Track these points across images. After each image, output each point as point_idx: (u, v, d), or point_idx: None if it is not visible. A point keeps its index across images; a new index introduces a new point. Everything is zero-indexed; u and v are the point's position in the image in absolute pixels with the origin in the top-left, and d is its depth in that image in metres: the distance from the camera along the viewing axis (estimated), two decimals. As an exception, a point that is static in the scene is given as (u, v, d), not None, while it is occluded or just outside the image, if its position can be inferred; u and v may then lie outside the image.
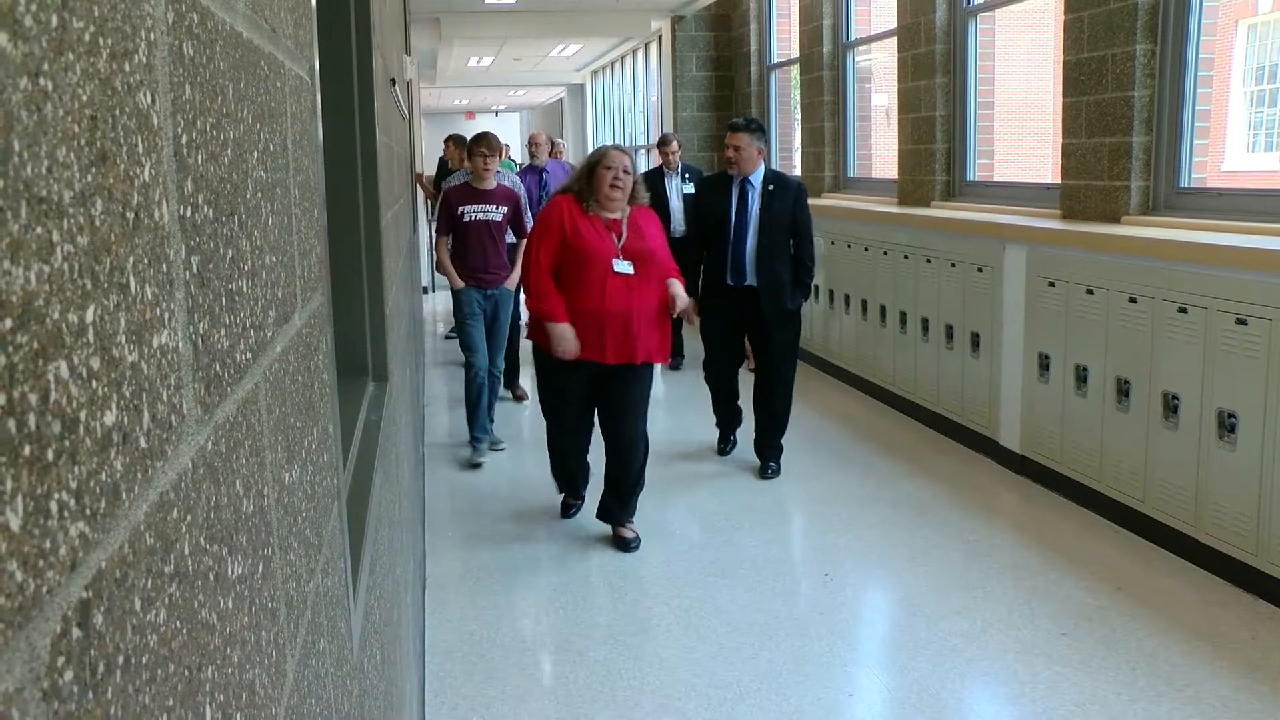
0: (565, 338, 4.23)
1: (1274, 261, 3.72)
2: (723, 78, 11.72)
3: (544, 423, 4.76)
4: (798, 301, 5.37)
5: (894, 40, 7.46)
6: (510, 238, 6.18)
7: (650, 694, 3.32)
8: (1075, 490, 4.88)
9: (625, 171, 4.29)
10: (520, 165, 10.16)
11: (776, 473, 5.47)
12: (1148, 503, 4.37)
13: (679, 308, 4.35)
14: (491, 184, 5.84)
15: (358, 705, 1.45)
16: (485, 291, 5.88)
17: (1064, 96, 5.37)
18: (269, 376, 0.91)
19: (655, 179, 7.76)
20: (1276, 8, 14.19)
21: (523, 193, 6.56)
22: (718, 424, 5.88)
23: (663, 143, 8.15)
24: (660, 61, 12.71)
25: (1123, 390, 4.49)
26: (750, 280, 5.30)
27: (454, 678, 3.47)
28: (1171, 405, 4.20)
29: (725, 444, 5.89)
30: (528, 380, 7.42)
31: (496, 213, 5.87)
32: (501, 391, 6.73)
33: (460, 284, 5.85)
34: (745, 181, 5.32)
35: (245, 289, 0.82)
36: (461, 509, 5.16)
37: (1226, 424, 3.91)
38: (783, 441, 5.56)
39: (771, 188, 5.31)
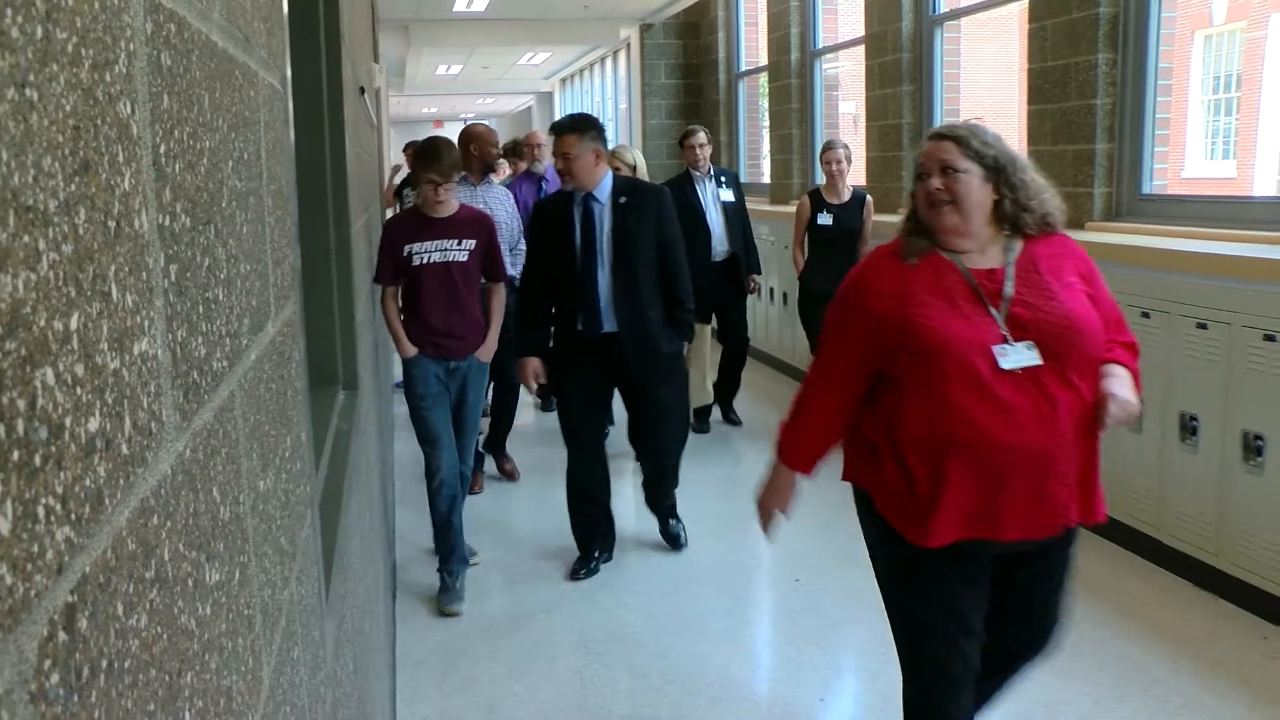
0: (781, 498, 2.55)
1: (1234, 267, 3.79)
2: (691, 85, 11.76)
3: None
4: (676, 345, 4.18)
5: (861, 48, 7.52)
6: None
7: (622, 701, 3.33)
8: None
9: (953, 168, 2.29)
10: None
11: (684, 538, 4.54)
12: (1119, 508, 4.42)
13: (1115, 419, 2.23)
14: (451, 208, 4.08)
15: (331, 714, 1.45)
16: (448, 364, 4.14)
17: (1029, 104, 5.44)
18: (244, 384, 0.92)
19: (682, 187, 6.07)
20: (1231, 18, 14.46)
21: (508, 209, 5.38)
22: (575, 532, 4.37)
23: (686, 137, 6.31)
24: (629, 69, 12.75)
25: (1087, 395, 4.54)
26: (609, 326, 4.06)
27: (425, 687, 3.46)
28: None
29: (587, 564, 4.32)
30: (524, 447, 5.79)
31: (460, 250, 4.06)
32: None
33: (410, 351, 4.08)
34: (589, 198, 4.06)
35: (221, 297, 0.82)
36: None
37: (1188, 427, 3.97)
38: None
39: (624, 201, 4.05)
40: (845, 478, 2.52)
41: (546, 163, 6.54)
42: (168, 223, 0.66)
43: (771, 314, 8.17)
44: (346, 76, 2.88)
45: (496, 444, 5.71)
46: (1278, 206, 4.39)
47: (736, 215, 6.26)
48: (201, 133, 0.78)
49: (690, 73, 11.78)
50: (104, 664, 0.50)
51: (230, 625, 0.79)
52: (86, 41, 0.52)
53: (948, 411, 2.22)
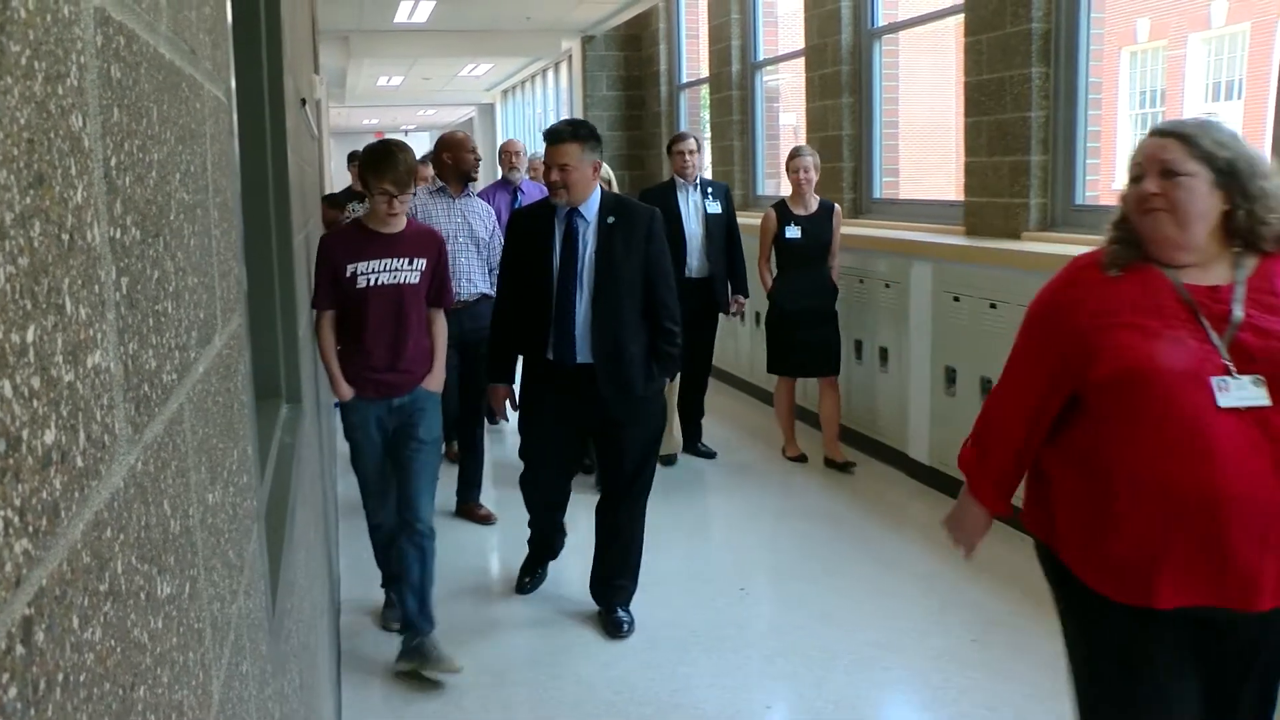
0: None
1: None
2: (633, 97, 11.81)
3: None
4: (658, 383, 3.79)
5: (801, 61, 7.62)
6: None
7: (569, 711, 3.32)
8: (982, 499, 4.99)
9: (1175, 171, 1.96)
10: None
11: (630, 626, 3.85)
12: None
13: None
14: (400, 224, 3.57)
15: (279, 729, 1.44)
16: (392, 403, 3.58)
17: (966, 116, 5.55)
18: (192, 397, 0.91)
19: (664, 195, 5.73)
20: (1154, 36, 14.90)
21: (488, 225, 5.03)
22: (530, 544, 4.24)
23: (675, 142, 5.94)
24: (570, 81, 12.77)
25: (1025, 401, 4.63)
26: (583, 356, 3.68)
27: (371, 703, 3.43)
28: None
29: (532, 576, 4.26)
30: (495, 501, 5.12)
31: (411, 270, 3.54)
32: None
33: (347, 393, 3.55)
34: (574, 214, 3.68)
35: (171, 310, 0.82)
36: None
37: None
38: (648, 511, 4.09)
39: (612, 220, 3.68)
40: (1027, 527, 2.25)
41: (522, 173, 6.38)
42: (119, 235, 0.66)
43: (734, 330, 7.75)
44: (288, 88, 2.86)
45: (468, 485, 5.16)
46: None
47: (721, 231, 5.83)
48: (150, 145, 0.77)
49: (632, 84, 11.83)
50: (60, 677, 0.49)
51: (181, 639, 0.78)
52: (39, 54, 0.52)
53: (1146, 451, 1.91)
